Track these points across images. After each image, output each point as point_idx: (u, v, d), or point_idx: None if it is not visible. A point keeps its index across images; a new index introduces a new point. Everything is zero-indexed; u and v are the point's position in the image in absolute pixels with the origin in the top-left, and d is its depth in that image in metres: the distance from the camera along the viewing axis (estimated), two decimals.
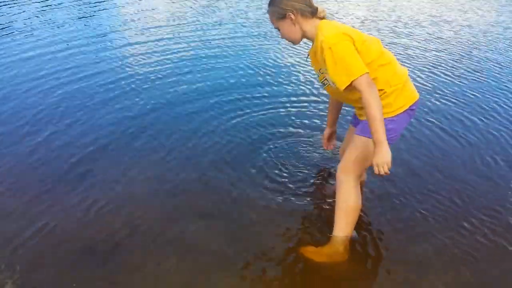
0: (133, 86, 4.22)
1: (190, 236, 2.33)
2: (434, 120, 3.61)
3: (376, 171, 1.90)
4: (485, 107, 3.94)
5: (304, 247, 2.23)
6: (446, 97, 4.12)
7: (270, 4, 2.12)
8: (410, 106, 2.13)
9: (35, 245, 2.24)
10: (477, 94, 4.22)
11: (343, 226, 2.16)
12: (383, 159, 1.87)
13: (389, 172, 1.89)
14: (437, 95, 4.16)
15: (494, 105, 4.00)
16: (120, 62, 4.88)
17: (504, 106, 3.99)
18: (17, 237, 2.29)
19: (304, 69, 4.77)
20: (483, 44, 6.00)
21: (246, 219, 2.48)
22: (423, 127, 3.49)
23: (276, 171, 2.87)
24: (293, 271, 2.14)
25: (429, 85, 4.41)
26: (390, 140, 1.97)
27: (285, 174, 2.84)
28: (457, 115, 3.74)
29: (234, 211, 2.54)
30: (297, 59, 5.12)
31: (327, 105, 2.80)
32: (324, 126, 2.73)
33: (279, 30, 2.14)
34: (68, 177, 2.80)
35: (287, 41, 2.22)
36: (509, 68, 5.08)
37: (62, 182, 2.75)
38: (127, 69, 4.68)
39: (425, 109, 3.80)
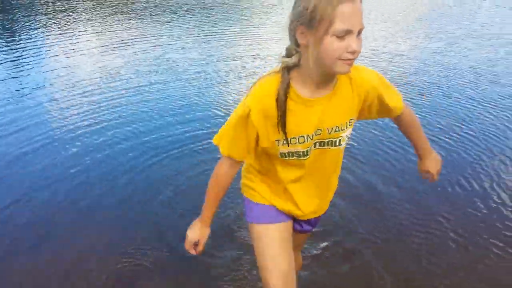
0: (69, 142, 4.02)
1: None
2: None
3: (434, 178, 1.77)
4: (439, 126, 4.26)
5: None
6: None
7: None
8: None
9: None
10: (428, 115, 4.56)
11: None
12: (440, 164, 1.77)
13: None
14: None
15: (445, 125, 4.32)
16: (46, 117, 4.66)
17: (458, 125, 4.34)
18: None
19: None
20: (421, 70, 6.43)
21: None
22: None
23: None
24: None
25: None
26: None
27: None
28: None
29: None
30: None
31: None
32: None
33: (360, 34, 1.36)
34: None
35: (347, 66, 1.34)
36: (446, 88, 5.54)
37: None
38: (55, 124, 4.46)
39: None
